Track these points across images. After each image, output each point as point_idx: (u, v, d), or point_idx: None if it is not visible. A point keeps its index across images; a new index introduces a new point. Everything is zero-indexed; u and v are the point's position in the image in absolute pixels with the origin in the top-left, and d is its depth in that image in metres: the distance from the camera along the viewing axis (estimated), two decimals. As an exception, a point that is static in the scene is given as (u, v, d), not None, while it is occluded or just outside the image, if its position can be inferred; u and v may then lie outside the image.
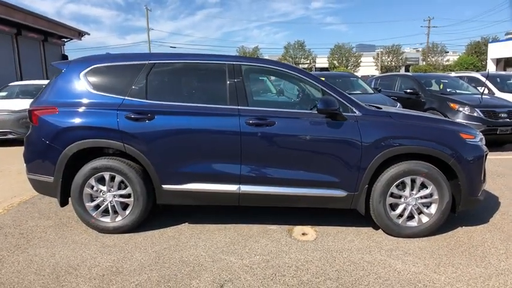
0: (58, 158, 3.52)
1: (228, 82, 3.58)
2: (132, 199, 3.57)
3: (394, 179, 3.48)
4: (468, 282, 2.81)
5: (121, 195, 3.59)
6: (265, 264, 3.07)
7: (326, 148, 3.49)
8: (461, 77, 10.12)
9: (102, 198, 3.60)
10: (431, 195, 3.53)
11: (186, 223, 3.91)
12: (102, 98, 3.57)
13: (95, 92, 3.59)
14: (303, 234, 3.69)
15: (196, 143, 3.49)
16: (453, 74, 11.40)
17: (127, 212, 3.61)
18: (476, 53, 43.32)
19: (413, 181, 3.51)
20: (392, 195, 3.53)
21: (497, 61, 39.10)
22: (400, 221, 3.56)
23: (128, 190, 3.56)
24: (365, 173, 3.46)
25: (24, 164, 3.75)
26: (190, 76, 3.79)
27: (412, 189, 3.53)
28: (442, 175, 3.48)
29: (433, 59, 53.26)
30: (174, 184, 3.54)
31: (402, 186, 3.54)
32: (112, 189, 3.58)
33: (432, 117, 4.09)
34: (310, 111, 3.56)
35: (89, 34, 22.91)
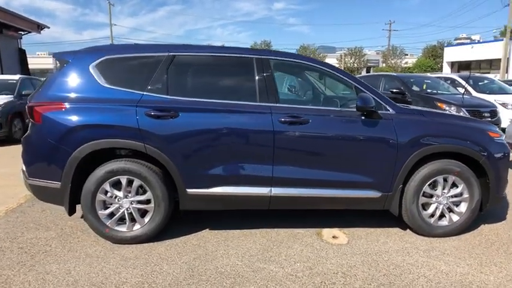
0: (67, 160, 3.10)
1: (257, 77, 3.33)
2: (152, 205, 3.23)
3: (428, 178, 3.41)
4: (518, 281, 2.78)
5: (139, 201, 3.24)
6: (309, 272, 2.87)
7: (361, 147, 3.35)
8: (438, 78, 10.47)
9: (117, 205, 3.23)
10: (461, 194, 3.49)
11: (207, 229, 3.61)
12: (117, 93, 3.20)
13: (108, 86, 3.21)
14: (334, 237, 3.53)
15: (225, 143, 3.22)
16: (431, 75, 11.78)
17: (146, 219, 3.26)
18: (433, 56, 45.62)
19: (445, 180, 3.45)
20: (424, 194, 3.46)
21: (452, 64, 41.44)
22: (432, 220, 3.49)
23: (148, 195, 3.21)
24: (400, 173, 3.36)
25: (23, 168, 3.29)
26: (214, 70, 3.50)
27: (443, 188, 3.47)
28: (472, 174, 3.45)
29: (393, 61, 55.40)
30: (200, 188, 3.24)
31: (433, 185, 3.47)
32: (129, 195, 3.22)
33: (460, 115, 4.09)
34: (346, 109, 3.40)
35: (48, 27, 21.33)
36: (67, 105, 3.13)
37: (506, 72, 29.24)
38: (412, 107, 4.01)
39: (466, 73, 8.83)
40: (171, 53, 3.32)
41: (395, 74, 9.85)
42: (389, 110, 3.40)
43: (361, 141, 3.34)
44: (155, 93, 3.22)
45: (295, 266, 2.96)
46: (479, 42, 39.38)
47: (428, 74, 12.33)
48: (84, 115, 3.12)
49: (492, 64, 36.20)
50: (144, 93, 3.20)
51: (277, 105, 3.30)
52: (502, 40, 31.14)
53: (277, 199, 3.32)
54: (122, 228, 3.25)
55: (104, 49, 3.40)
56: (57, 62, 3.35)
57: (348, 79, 3.51)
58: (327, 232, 3.61)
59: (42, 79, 11.58)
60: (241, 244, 3.32)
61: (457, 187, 3.48)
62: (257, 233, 3.56)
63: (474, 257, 3.16)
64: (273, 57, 3.46)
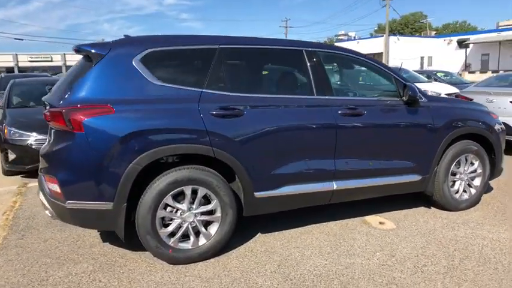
0: (122, 174, 2.58)
1: (311, 70, 3.22)
2: (218, 215, 2.89)
3: (454, 158, 3.76)
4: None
5: (203, 213, 2.87)
6: (395, 259, 2.93)
7: (407, 134, 3.53)
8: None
9: (180, 220, 2.81)
10: (476, 170, 3.95)
11: (259, 233, 3.39)
12: (172, 90, 2.77)
13: (160, 83, 2.75)
14: (381, 223, 3.65)
15: (291, 140, 3.06)
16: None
17: (212, 231, 2.91)
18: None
19: (466, 159, 3.86)
20: (452, 173, 3.81)
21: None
22: (458, 196, 3.88)
23: (214, 204, 2.87)
24: (435, 156, 3.64)
25: (52, 188, 2.62)
26: (268, 63, 3.28)
27: (465, 166, 3.88)
28: (484, 151, 3.93)
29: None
30: (268, 190, 3.02)
31: (457, 164, 3.85)
32: (193, 207, 2.83)
33: (467, 102, 4.57)
34: (392, 98, 3.52)
35: None
36: (116, 108, 2.58)
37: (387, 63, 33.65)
38: (433, 95, 4.36)
39: (397, 66, 9.83)
40: (222, 46, 2.99)
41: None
42: (423, 99, 3.64)
43: (407, 129, 3.52)
44: (215, 90, 2.87)
45: (377, 255, 2.99)
46: (360, 38, 44.20)
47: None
48: (141, 119, 2.63)
49: (375, 57, 41.10)
50: (203, 90, 2.83)
51: (334, 98, 3.25)
52: (382, 36, 35.59)
53: (338, 193, 3.29)
54: (186, 246, 2.84)
55: (144, 41, 2.90)
56: (90, 57, 2.73)
57: (387, 71, 3.63)
58: (371, 220, 3.71)
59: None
60: (307, 243, 3.20)
61: (473, 164, 3.92)
62: (311, 229, 3.47)
63: (502, 223, 3.61)
64: (320, 49, 3.38)
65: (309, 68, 3.22)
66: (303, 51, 3.26)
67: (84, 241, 3.23)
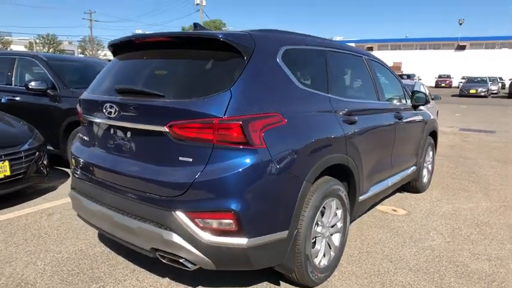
0: (298, 194, 2.19)
1: (371, 77, 3.46)
2: (341, 225, 2.79)
3: (429, 147, 4.73)
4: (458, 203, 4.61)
5: (332, 226, 2.71)
6: (440, 237, 3.54)
7: (414, 133, 4.20)
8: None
9: (320, 236, 2.57)
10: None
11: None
12: (312, 95, 2.51)
13: (302, 87, 2.44)
14: (394, 210, 4.23)
15: (379, 143, 3.29)
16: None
17: (336, 243, 2.77)
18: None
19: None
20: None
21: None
22: (426, 180, 4.88)
23: (340, 215, 2.75)
24: (424, 147, 4.49)
25: (231, 225, 1.96)
26: (354, 70, 3.29)
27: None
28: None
29: (91, 52, 53.75)
30: (365, 193, 3.10)
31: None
32: (329, 220, 2.64)
33: None
34: (409, 102, 4.10)
35: None
36: (285, 117, 2.16)
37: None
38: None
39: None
40: (328, 48, 2.87)
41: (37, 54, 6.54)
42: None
43: (415, 128, 4.21)
44: (337, 96, 2.74)
45: (412, 243, 3.54)
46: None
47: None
48: (307, 129, 2.30)
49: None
50: (329, 95, 2.67)
51: (387, 102, 3.61)
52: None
53: (388, 189, 3.67)
54: (324, 262, 2.62)
55: (275, 35, 2.47)
56: (234, 50, 2.12)
57: (398, 80, 4.20)
58: (385, 209, 4.24)
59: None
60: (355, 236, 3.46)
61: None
62: (363, 226, 3.72)
63: (465, 196, 4.78)
64: (369, 57, 3.62)
65: (370, 75, 3.45)
66: (363, 58, 3.46)
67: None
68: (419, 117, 4.30)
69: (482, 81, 28.71)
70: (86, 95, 2.65)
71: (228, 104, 1.97)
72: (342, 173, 2.72)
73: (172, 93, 2.11)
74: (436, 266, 2.96)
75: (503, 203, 4.52)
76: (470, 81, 29.52)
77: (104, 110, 2.31)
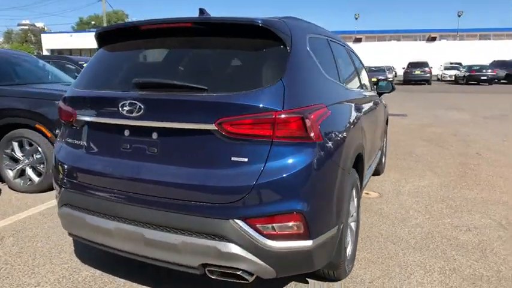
0: (345, 187, 2.14)
1: (354, 66, 3.53)
2: (356, 213, 2.80)
3: (384, 136, 5.06)
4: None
5: (352, 215, 2.71)
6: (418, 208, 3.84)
7: (381, 118, 4.42)
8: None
9: (348, 227, 2.54)
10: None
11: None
12: (337, 86, 2.49)
13: (328, 76, 2.37)
14: (367, 193, 4.44)
15: (372, 129, 3.46)
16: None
17: (354, 232, 2.78)
18: (28, 42, 42.84)
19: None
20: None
21: (52, 51, 40.64)
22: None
23: (355, 204, 2.76)
24: (384, 132, 4.77)
25: (299, 227, 1.80)
26: (345, 60, 3.26)
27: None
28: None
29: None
30: (364, 180, 3.18)
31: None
32: (352, 210, 2.64)
33: None
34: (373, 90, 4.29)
35: None
36: (328, 108, 2.06)
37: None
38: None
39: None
40: (329, 38, 2.82)
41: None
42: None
43: (382, 114, 4.44)
44: (345, 85, 2.75)
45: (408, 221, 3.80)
46: (76, 31, 40.86)
47: None
48: (346, 120, 2.25)
49: (92, 52, 39.32)
50: (343, 85, 2.64)
51: (369, 90, 3.73)
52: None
53: (370, 174, 3.82)
54: (349, 253, 2.60)
55: (299, 23, 2.32)
56: (274, 38, 1.93)
57: (363, 68, 4.33)
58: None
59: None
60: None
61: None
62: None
63: (417, 175, 5.23)
64: (348, 47, 3.67)
65: (354, 63, 3.52)
66: (346, 48, 3.50)
67: None
68: (383, 104, 4.55)
69: (381, 70, 31.81)
70: (77, 91, 2.19)
71: (284, 96, 1.80)
72: (355, 161, 2.73)
73: (215, 87, 1.85)
74: (433, 242, 3.17)
75: (451, 178, 5.07)
76: (371, 70, 32.56)
77: (120, 108, 1.93)
